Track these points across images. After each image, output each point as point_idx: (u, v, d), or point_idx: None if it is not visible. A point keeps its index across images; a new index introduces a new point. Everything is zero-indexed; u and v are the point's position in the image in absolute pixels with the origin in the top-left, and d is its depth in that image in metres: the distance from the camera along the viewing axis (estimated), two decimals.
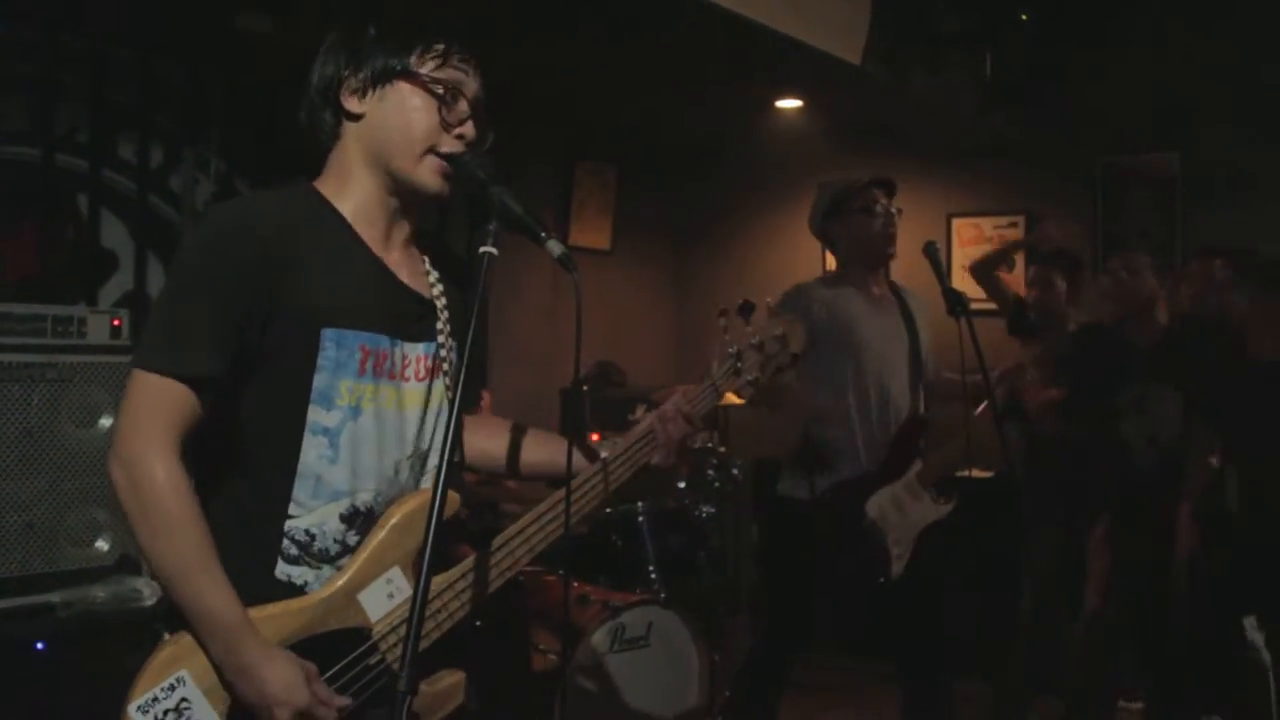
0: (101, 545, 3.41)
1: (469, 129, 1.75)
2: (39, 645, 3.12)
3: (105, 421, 3.40)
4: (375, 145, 1.73)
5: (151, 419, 1.57)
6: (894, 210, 3.63)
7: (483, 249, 1.60)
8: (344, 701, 1.63)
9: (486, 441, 2.06)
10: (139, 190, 4.50)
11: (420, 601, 1.43)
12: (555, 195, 6.47)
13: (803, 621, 3.63)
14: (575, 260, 1.65)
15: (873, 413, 3.53)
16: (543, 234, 1.65)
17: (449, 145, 1.74)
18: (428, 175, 1.73)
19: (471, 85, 1.77)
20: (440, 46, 1.74)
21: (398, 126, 1.72)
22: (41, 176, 4.15)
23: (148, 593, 3.35)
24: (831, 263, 3.86)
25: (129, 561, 3.44)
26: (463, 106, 1.75)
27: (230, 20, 4.17)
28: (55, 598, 3.27)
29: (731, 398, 2.16)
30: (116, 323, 3.53)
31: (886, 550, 3.45)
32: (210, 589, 1.56)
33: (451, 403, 1.80)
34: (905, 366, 3.62)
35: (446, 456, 1.50)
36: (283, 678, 1.56)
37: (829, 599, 3.61)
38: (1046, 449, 4.25)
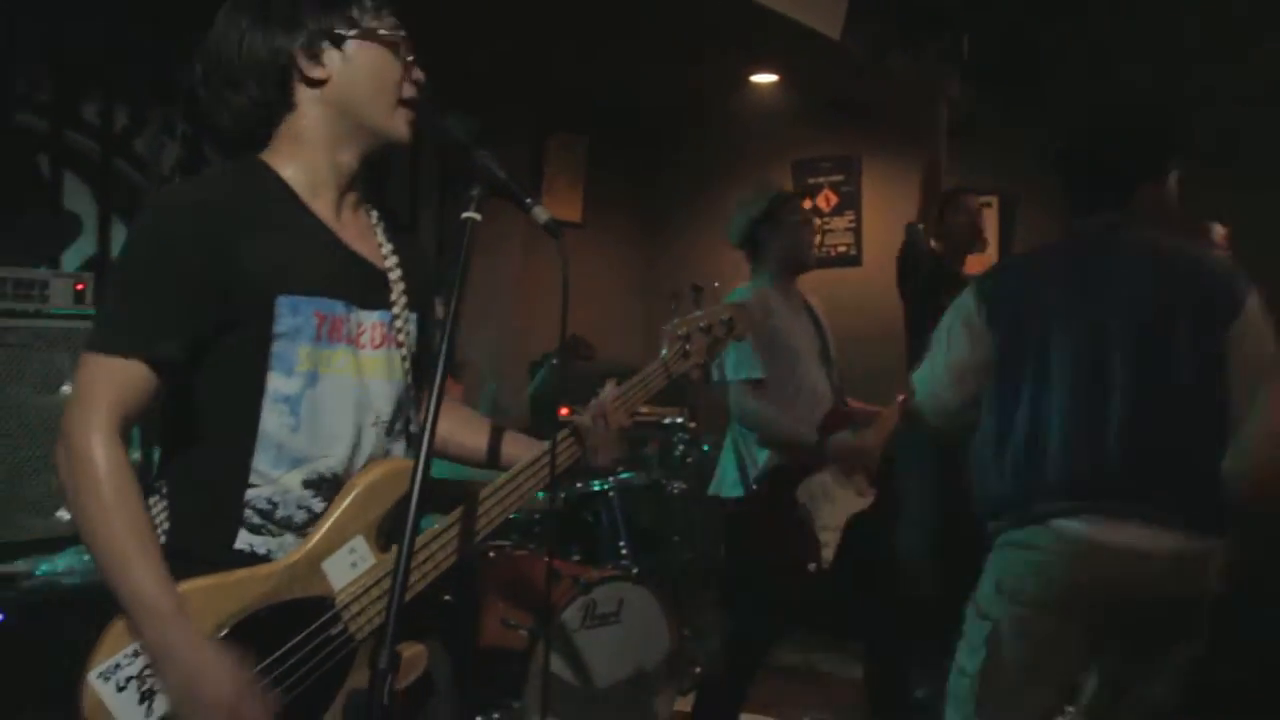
0: (63, 514, 3.32)
1: (418, 71, 1.76)
2: (0, 616, 3.06)
3: (67, 388, 3.32)
4: (346, 105, 1.71)
5: (97, 401, 1.54)
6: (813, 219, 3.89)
7: (465, 215, 1.57)
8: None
9: (460, 430, 2.06)
10: (102, 153, 4.40)
11: (401, 576, 1.40)
12: (526, 168, 6.40)
13: (763, 616, 3.64)
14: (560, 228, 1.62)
15: (805, 409, 3.63)
16: (528, 200, 1.61)
17: (409, 90, 1.74)
18: (402, 125, 1.74)
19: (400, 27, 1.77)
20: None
21: (369, 82, 1.71)
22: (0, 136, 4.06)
23: None
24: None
25: None
26: (407, 50, 1.75)
27: None
28: (17, 567, 3.21)
29: None
30: (80, 287, 3.47)
31: (817, 538, 3.51)
32: (142, 574, 1.51)
33: (409, 371, 1.80)
34: (820, 366, 3.76)
35: (430, 429, 1.46)
36: (216, 682, 1.51)
37: (779, 589, 3.61)
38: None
